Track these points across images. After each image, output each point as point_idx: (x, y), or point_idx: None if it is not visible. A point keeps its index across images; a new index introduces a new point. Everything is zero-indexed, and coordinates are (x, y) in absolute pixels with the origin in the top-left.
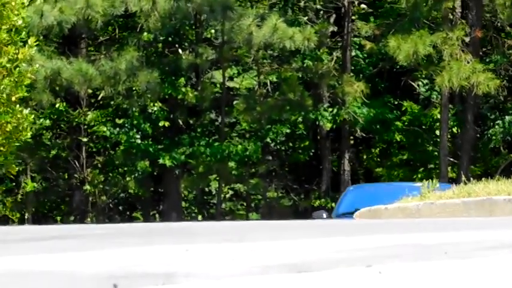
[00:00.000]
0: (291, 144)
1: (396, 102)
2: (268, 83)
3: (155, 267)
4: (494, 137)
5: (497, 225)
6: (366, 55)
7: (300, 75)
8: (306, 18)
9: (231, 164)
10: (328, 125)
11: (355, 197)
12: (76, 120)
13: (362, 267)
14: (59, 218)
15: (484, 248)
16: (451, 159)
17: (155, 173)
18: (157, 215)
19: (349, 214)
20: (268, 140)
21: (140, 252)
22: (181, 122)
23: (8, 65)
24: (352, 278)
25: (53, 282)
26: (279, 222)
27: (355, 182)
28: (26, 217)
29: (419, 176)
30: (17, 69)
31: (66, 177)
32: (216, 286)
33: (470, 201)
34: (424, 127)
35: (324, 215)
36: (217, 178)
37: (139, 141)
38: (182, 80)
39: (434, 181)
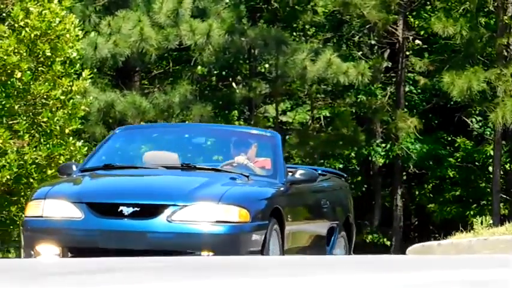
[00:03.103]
0: None
1: (449, 138)
2: (322, 118)
3: None
4: None
5: None
6: (419, 91)
7: (354, 110)
8: (360, 53)
9: None
10: (381, 161)
11: (116, 144)
12: None
13: None
14: None
15: None
16: (504, 195)
17: None
18: None
19: (95, 170)
20: None
21: None
22: None
23: (62, 97)
24: None
25: None
26: (323, 257)
27: (407, 218)
28: None
29: (471, 212)
30: (71, 101)
31: None
32: None
33: None
34: (477, 163)
35: (74, 168)
36: None
37: None
38: (235, 113)
39: (487, 218)
